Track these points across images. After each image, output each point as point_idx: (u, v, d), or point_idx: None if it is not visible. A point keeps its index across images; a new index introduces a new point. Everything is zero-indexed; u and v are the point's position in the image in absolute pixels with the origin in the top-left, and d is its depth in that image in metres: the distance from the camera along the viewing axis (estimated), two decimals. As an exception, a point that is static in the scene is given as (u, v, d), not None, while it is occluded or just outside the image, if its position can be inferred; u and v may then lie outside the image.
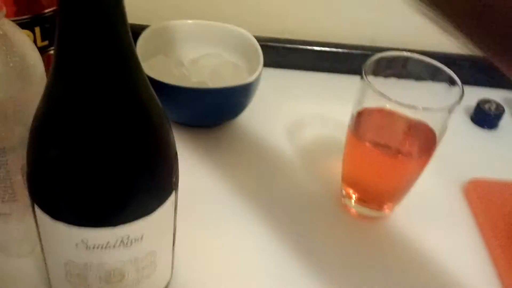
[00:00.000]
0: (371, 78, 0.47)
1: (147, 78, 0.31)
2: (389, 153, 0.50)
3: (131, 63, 0.29)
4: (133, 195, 0.32)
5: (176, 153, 0.36)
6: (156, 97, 0.33)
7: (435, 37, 0.74)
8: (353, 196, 0.53)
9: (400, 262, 0.50)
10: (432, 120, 0.47)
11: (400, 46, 0.72)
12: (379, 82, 0.47)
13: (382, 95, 0.44)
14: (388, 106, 0.45)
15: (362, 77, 0.46)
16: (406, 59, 0.49)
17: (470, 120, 0.68)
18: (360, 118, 0.48)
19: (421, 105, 0.44)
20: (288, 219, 0.52)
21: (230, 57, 0.63)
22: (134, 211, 0.32)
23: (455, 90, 0.47)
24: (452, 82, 0.47)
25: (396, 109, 0.45)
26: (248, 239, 0.50)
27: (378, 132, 0.50)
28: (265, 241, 0.50)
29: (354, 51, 0.72)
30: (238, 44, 0.63)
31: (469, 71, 0.73)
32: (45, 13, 0.43)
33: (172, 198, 0.35)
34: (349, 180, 0.53)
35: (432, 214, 0.55)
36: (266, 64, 0.59)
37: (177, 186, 0.37)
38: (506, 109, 0.69)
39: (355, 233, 0.52)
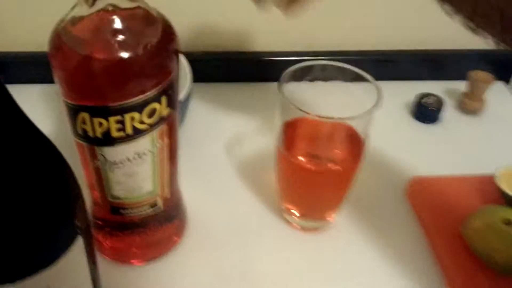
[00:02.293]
0: (292, 85, 0.46)
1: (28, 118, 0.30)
2: (320, 163, 0.49)
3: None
4: (22, 246, 0.30)
5: (78, 195, 0.34)
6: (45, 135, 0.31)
7: (371, 35, 0.74)
8: (294, 212, 0.52)
9: (348, 268, 0.50)
10: (356, 124, 0.46)
11: (336, 48, 0.72)
12: (301, 87, 0.47)
13: (299, 109, 0.43)
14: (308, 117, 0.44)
15: (279, 90, 0.45)
16: (323, 66, 0.48)
17: (410, 115, 0.68)
18: (284, 131, 0.47)
19: (343, 109, 0.43)
20: (231, 238, 0.51)
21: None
22: (28, 263, 0.31)
23: (373, 90, 0.46)
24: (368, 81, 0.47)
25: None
26: (190, 260, 0.49)
27: (304, 143, 0.49)
28: (209, 261, 0.49)
29: (289, 58, 0.71)
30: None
31: (408, 65, 0.73)
32: None
33: (79, 243, 0.34)
34: (286, 196, 0.52)
35: (375, 216, 0.55)
36: (201, 79, 0.58)
37: (85, 230, 0.35)
38: (447, 101, 0.69)
39: (300, 246, 0.51)
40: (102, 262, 0.48)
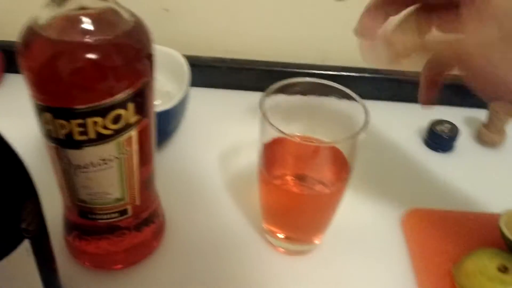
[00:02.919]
0: (277, 98, 0.44)
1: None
2: (303, 185, 0.46)
3: None
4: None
5: (29, 194, 0.33)
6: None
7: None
8: (277, 235, 0.50)
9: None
10: (341, 146, 0.43)
11: (348, 64, 0.69)
12: (286, 100, 0.44)
13: (279, 131, 0.41)
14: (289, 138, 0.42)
15: (260, 110, 0.43)
16: (310, 84, 0.45)
17: (422, 142, 0.64)
18: (267, 151, 0.45)
19: (332, 127, 0.41)
20: (211, 249, 0.50)
21: (161, 77, 0.61)
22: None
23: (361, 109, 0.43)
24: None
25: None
26: (170, 265, 0.48)
27: (287, 164, 0.47)
28: (187, 270, 0.47)
29: (299, 70, 0.68)
30: (166, 64, 0.60)
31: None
32: None
33: (25, 246, 0.33)
34: (269, 218, 0.50)
35: (365, 243, 0.52)
36: (204, 85, 0.56)
37: (38, 232, 0.34)
38: (464, 129, 0.65)
39: (283, 268, 0.49)
40: (76, 267, 0.47)
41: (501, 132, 0.63)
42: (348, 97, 0.44)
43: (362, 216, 0.54)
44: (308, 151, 0.44)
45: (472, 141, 0.65)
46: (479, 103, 0.66)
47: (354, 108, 0.43)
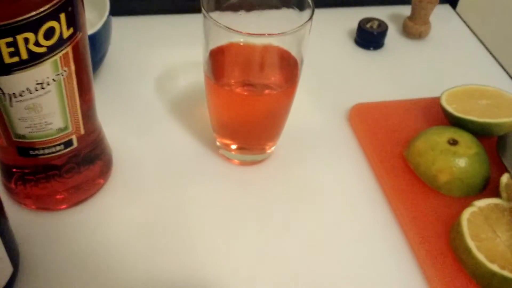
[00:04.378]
0: (213, 14, 0.41)
1: None
2: (254, 91, 0.45)
3: None
4: None
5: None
6: None
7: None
8: (231, 147, 0.48)
9: (290, 196, 0.47)
10: (289, 45, 0.42)
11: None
12: (224, 17, 0.42)
13: (226, 28, 0.39)
14: (236, 39, 0.40)
15: (203, 13, 0.40)
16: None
17: (354, 43, 0.64)
18: (213, 59, 0.43)
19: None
20: (163, 178, 0.47)
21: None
22: None
23: (307, 12, 0.42)
24: (302, 4, 0.42)
25: (246, 41, 0.40)
26: (119, 202, 0.45)
27: (236, 71, 0.45)
28: (140, 203, 0.45)
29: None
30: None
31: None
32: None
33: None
34: (221, 130, 0.48)
35: (316, 144, 0.52)
36: (127, 13, 0.52)
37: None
38: (391, 26, 0.66)
39: (240, 180, 0.48)
40: (22, 212, 0.44)
41: (425, 22, 0.65)
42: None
43: (309, 119, 0.54)
44: (256, 53, 0.42)
45: (400, 35, 0.66)
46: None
47: (293, 12, 0.43)
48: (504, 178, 0.46)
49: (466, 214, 0.41)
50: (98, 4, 0.54)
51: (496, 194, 0.46)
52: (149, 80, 0.57)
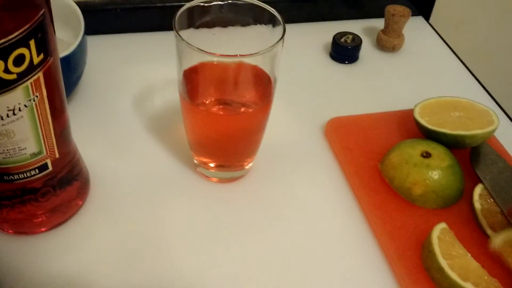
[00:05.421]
0: (190, 31, 0.42)
1: None
2: (230, 109, 0.46)
3: None
4: None
5: None
6: None
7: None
8: (209, 165, 0.49)
9: (268, 212, 0.47)
10: (262, 63, 0.42)
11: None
12: (197, 34, 0.42)
13: (198, 50, 0.39)
14: (209, 59, 0.40)
15: (174, 34, 0.41)
16: (221, 5, 0.43)
17: (329, 56, 0.65)
18: (187, 79, 0.43)
19: (243, 52, 0.40)
20: (140, 198, 0.47)
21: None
22: None
23: (280, 28, 0.42)
24: (275, 21, 0.43)
25: (220, 60, 0.41)
26: (97, 222, 0.45)
27: (211, 90, 0.46)
28: (117, 223, 0.45)
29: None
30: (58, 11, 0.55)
31: (324, 5, 0.70)
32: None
33: None
34: (198, 149, 0.49)
35: (293, 159, 0.52)
36: (102, 31, 0.52)
37: None
38: (366, 39, 0.67)
39: (217, 197, 0.48)
40: (1, 236, 0.43)
41: (399, 35, 0.66)
42: (259, 17, 0.43)
43: (286, 134, 0.55)
44: (229, 71, 0.43)
45: (374, 48, 0.67)
46: (375, 13, 0.68)
47: (266, 31, 0.43)
48: (478, 189, 0.47)
49: (436, 232, 0.42)
50: (72, 23, 0.54)
51: (470, 205, 0.46)
52: (125, 99, 0.57)
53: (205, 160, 0.49)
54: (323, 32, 0.67)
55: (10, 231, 0.44)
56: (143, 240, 0.44)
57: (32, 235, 0.44)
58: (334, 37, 0.64)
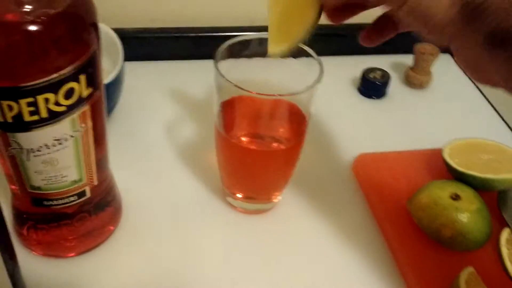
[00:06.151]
0: (229, 62, 0.43)
1: None
2: (262, 143, 0.46)
3: None
4: None
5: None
6: None
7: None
8: (237, 196, 0.49)
9: (295, 247, 0.48)
10: (298, 100, 0.43)
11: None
12: (239, 64, 0.44)
13: (237, 87, 0.40)
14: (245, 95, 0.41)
15: (215, 68, 0.42)
16: (261, 40, 0.45)
17: (357, 91, 0.66)
18: (223, 111, 0.44)
19: (284, 86, 0.41)
20: (170, 225, 0.48)
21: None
22: None
23: (316, 64, 0.43)
24: (310, 56, 0.44)
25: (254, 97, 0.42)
26: (128, 249, 0.46)
27: (245, 123, 0.47)
28: (147, 249, 0.46)
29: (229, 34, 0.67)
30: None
31: (352, 39, 0.71)
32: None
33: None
34: (228, 179, 0.49)
35: (321, 195, 0.53)
36: (137, 58, 0.53)
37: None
38: (394, 75, 0.68)
39: (245, 229, 0.49)
40: (31, 258, 0.44)
41: (427, 73, 0.67)
42: (299, 53, 0.44)
43: (313, 168, 0.55)
44: (265, 107, 0.44)
45: (402, 85, 0.68)
46: (405, 49, 0.69)
47: (304, 64, 0.44)
48: (505, 234, 0.47)
49: (464, 276, 0.42)
50: (109, 50, 0.55)
51: (497, 249, 0.46)
52: (159, 126, 0.58)
53: (233, 190, 0.49)
54: (352, 66, 0.68)
55: (41, 252, 0.45)
56: (170, 267, 0.45)
57: (62, 258, 0.45)
58: (363, 73, 0.65)
